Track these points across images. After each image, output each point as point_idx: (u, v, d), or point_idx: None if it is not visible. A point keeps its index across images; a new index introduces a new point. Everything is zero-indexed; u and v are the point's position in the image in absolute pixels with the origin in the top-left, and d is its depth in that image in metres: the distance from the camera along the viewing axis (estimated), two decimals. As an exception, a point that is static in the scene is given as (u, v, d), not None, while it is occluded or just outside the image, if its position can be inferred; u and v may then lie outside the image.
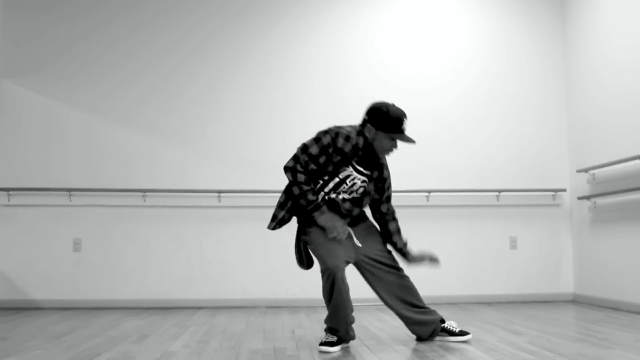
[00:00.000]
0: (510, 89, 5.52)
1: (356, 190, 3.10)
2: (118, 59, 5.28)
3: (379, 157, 3.10)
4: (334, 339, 3.03)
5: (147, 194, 5.14)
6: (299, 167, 2.98)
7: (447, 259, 5.25)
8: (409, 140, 3.00)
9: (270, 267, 5.15)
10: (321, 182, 3.06)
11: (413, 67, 5.47)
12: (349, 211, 3.13)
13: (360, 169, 3.08)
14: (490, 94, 5.50)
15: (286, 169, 3.00)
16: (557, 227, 5.43)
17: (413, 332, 3.26)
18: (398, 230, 3.23)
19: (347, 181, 3.06)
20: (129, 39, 5.30)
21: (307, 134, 5.26)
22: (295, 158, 2.99)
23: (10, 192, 5.05)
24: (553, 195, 5.43)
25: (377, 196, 3.17)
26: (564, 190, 5.38)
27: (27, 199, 5.07)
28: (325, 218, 3.00)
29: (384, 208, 3.21)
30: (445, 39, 5.52)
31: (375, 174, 3.12)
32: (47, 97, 5.20)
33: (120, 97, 5.25)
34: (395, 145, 3.05)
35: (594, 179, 5.07)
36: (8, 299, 4.98)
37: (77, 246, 5.07)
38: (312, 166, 2.98)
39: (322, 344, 2.99)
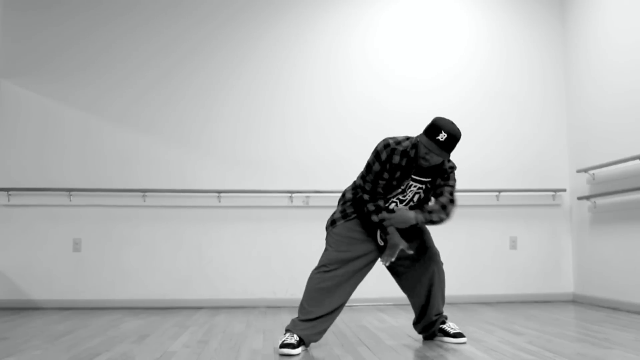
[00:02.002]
0: (510, 89, 5.52)
1: (412, 198, 3.08)
2: (116, 58, 5.28)
3: (441, 165, 3.01)
4: (295, 339, 2.96)
5: (147, 193, 5.14)
6: (366, 187, 3.02)
7: (447, 259, 5.25)
8: (429, 146, 2.84)
9: (270, 267, 5.15)
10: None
11: (413, 67, 5.47)
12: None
13: (417, 177, 3.02)
14: (490, 94, 5.50)
15: (356, 199, 3.06)
16: (557, 227, 5.43)
17: (421, 329, 3.29)
18: (433, 211, 3.00)
19: (407, 190, 3.05)
20: (127, 38, 5.30)
21: (307, 134, 5.29)
22: (363, 181, 3.02)
23: (10, 192, 5.05)
24: (553, 195, 5.43)
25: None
26: (564, 190, 5.38)
27: (27, 199, 5.07)
28: (393, 237, 3.01)
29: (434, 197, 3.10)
30: (445, 39, 5.52)
31: (438, 181, 3.04)
32: (46, 96, 5.20)
33: (119, 95, 5.25)
34: (427, 154, 2.89)
35: (593, 179, 5.07)
36: (8, 299, 4.98)
37: (76, 246, 5.07)
38: (381, 182, 2.99)
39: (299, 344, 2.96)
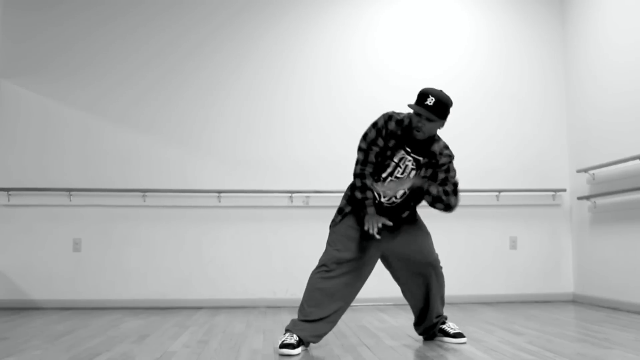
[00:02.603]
0: (510, 89, 5.52)
1: (408, 174, 3.03)
2: (117, 58, 5.28)
3: (433, 142, 3.02)
4: (295, 339, 2.95)
5: (147, 193, 5.14)
6: (360, 156, 3.04)
7: (447, 259, 5.24)
8: (418, 111, 2.86)
9: (270, 267, 5.16)
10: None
11: (413, 66, 5.47)
12: (396, 207, 3.10)
13: (410, 150, 3.02)
14: (490, 94, 5.50)
15: (355, 163, 3.09)
16: (557, 227, 5.43)
17: (422, 331, 3.29)
18: (438, 191, 3.01)
19: (401, 164, 3.02)
20: (128, 38, 5.30)
21: (307, 134, 5.30)
22: (358, 150, 3.06)
23: (10, 192, 5.05)
24: (553, 195, 5.43)
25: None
26: (564, 190, 5.38)
27: (27, 199, 5.07)
28: (370, 215, 3.01)
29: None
30: (445, 38, 5.52)
31: (430, 162, 3.02)
32: (46, 96, 5.20)
33: (119, 96, 5.25)
34: (420, 122, 2.91)
35: (593, 179, 5.07)
36: (8, 299, 4.98)
37: (76, 246, 5.07)
38: (374, 148, 3.01)
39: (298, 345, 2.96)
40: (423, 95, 2.91)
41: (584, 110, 5.24)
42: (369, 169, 3.04)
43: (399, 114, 3.04)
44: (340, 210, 3.16)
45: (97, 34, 5.29)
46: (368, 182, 3.03)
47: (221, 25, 5.37)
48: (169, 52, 5.31)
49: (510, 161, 5.45)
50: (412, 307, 3.29)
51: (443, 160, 3.03)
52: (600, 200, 4.97)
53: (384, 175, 3.05)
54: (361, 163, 3.04)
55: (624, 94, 4.68)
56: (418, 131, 2.94)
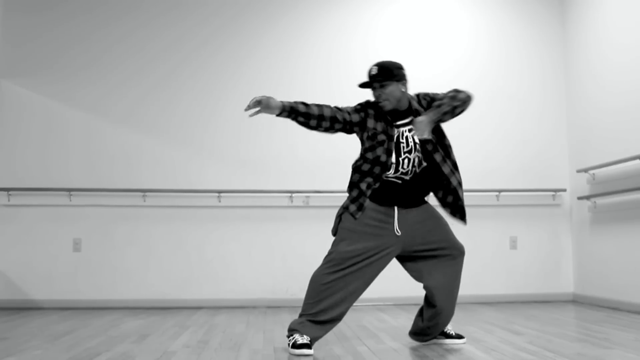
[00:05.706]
0: (509, 88, 5.52)
1: (414, 144, 3.01)
2: (118, 59, 5.28)
3: (410, 107, 3.07)
4: (307, 339, 2.92)
5: (147, 194, 5.14)
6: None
7: (447, 258, 5.24)
8: (366, 83, 3.01)
9: (271, 267, 5.16)
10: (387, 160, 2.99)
11: (413, 66, 5.45)
12: (413, 184, 3.02)
13: (398, 122, 3.03)
14: (490, 93, 5.50)
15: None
16: (557, 227, 5.43)
17: (425, 331, 3.25)
18: (439, 103, 3.06)
19: (402, 139, 3.01)
20: (130, 39, 5.30)
21: (309, 133, 5.29)
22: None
23: (10, 192, 5.05)
24: (553, 195, 5.44)
25: (434, 139, 3.07)
26: (564, 190, 5.38)
27: (27, 199, 5.07)
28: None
29: (445, 169, 3.11)
30: (445, 38, 5.53)
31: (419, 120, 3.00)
32: (47, 97, 5.20)
33: (120, 96, 5.25)
34: (375, 92, 3.02)
35: (593, 179, 5.07)
36: (8, 299, 4.98)
37: (77, 246, 5.07)
38: (348, 110, 3.05)
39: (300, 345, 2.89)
40: (368, 71, 3.05)
41: (584, 109, 5.24)
42: (328, 110, 3.00)
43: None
44: (354, 200, 2.98)
45: (99, 35, 5.29)
46: (310, 107, 2.98)
47: (223, 26, 5.38)
48: (170, 53, 5.31)
49: (510, 161, 5.45)
50: (430, 306, 3.07)
51: (426, 101, 3.12)
52: (600, 200, 4.97)
53: (392, 161, 2.95)
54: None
55: (625, 93, 4.68)
56: (380, 101, 3.02)
